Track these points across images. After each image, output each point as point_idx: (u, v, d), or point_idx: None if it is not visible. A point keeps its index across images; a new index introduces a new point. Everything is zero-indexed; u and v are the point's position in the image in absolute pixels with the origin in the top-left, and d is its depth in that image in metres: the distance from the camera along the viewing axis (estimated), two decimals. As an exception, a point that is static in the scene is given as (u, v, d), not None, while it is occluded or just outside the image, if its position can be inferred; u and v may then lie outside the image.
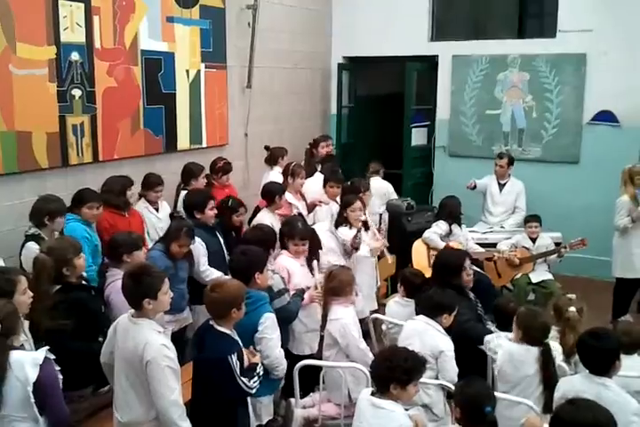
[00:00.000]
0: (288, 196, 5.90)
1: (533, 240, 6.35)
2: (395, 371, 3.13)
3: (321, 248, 4.95)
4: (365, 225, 5.50)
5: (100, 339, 3.61)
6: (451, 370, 3.83)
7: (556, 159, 7.71)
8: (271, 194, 5.65)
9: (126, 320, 3.20)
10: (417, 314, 4.40)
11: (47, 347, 2.91)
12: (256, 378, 3.35)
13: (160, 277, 3.20)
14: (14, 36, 4.73)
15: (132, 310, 3.19)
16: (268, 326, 3.60)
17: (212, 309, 3.37)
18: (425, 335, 3.89)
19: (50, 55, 5.03)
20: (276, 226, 5.08)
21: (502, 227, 7.02)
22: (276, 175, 6.49)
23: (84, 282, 3.92)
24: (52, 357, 2.87)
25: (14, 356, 2.78)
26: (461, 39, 8.22)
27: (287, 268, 4.55)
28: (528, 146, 7.89)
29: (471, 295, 4.56)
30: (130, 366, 3.11)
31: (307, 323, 4.48)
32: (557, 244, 6.40)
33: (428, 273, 5.09)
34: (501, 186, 7.25)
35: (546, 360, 3.65)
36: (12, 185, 4.89)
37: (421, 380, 3.31)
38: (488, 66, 7.97)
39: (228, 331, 3.35)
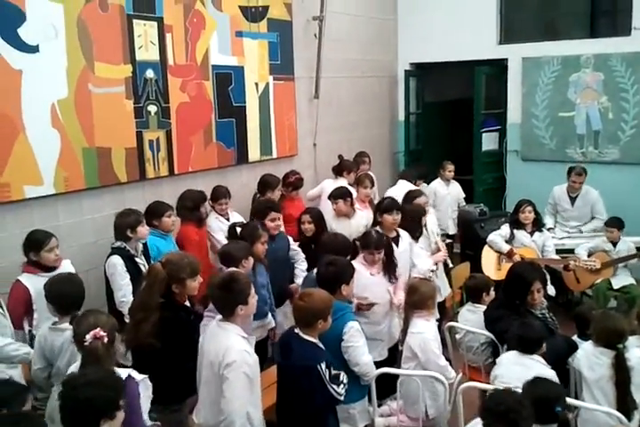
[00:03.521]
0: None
1: (614, 244, 6.13)
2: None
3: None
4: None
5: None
6: None
7: (635, 161, 7.45)
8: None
9: (215, 325, 3.29)
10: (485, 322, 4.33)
11: (131, 369, 2.91)
12: (342, 386, 3.36)
13: (248, 282, 3.30)
14: (93, 56, 4.92)
15: (219, 316, 3.28)
16: (353, 334, 3.60)
17: (298, 316, 3.42)
18: (531, 372, 3.45)
19: (126, 73, 5.20)
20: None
21: (580, 231, 6.79)
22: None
23: (188, 304, 3.83)
24: (140, 377, 2.88)
25: None
26: (531, 41, 8.06)
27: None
28: (605, 148, 7.65)
29: (537, 312, 4.32)
30: (210, 368, 3.18)
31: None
32: (639, 248, 6.16)
33: (496, 276, 5.01)
34: (573, 199, 6.79)
35: (619, 365, 3.57)
36: (92, 199, 5.06)
37: None
38: (560, 67, 7.79)
39: (313, 339, 3.38)
